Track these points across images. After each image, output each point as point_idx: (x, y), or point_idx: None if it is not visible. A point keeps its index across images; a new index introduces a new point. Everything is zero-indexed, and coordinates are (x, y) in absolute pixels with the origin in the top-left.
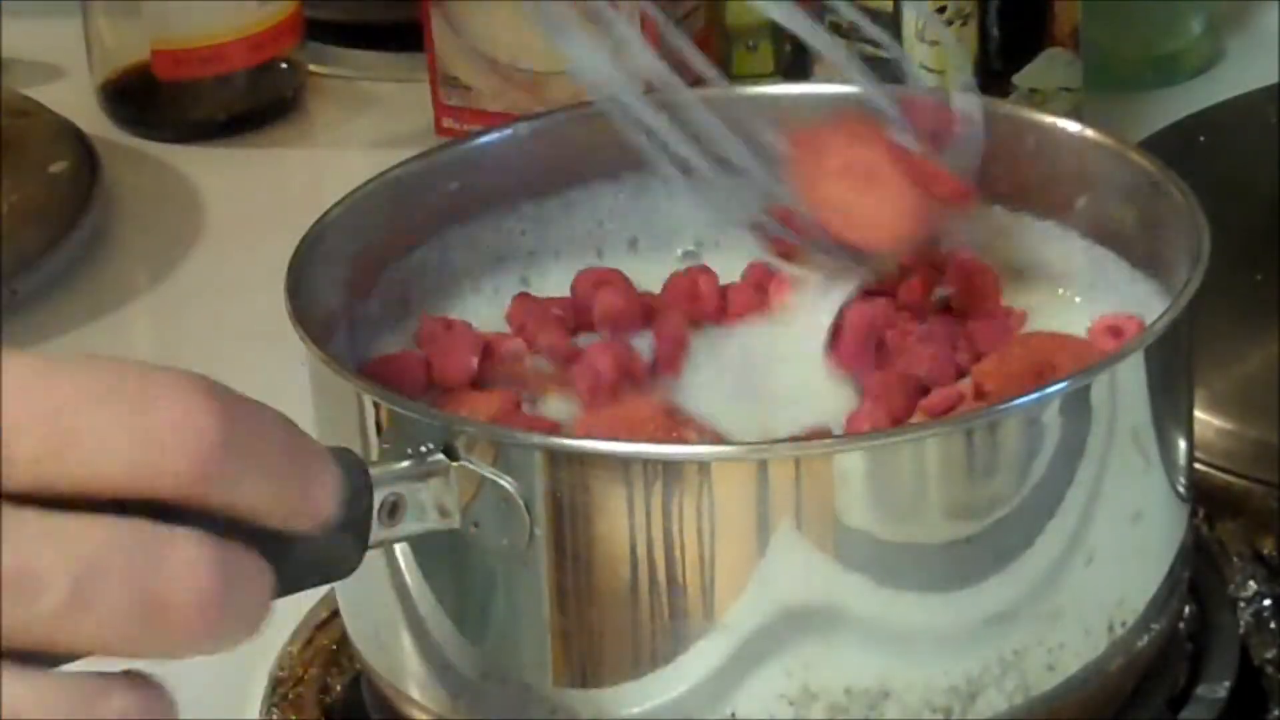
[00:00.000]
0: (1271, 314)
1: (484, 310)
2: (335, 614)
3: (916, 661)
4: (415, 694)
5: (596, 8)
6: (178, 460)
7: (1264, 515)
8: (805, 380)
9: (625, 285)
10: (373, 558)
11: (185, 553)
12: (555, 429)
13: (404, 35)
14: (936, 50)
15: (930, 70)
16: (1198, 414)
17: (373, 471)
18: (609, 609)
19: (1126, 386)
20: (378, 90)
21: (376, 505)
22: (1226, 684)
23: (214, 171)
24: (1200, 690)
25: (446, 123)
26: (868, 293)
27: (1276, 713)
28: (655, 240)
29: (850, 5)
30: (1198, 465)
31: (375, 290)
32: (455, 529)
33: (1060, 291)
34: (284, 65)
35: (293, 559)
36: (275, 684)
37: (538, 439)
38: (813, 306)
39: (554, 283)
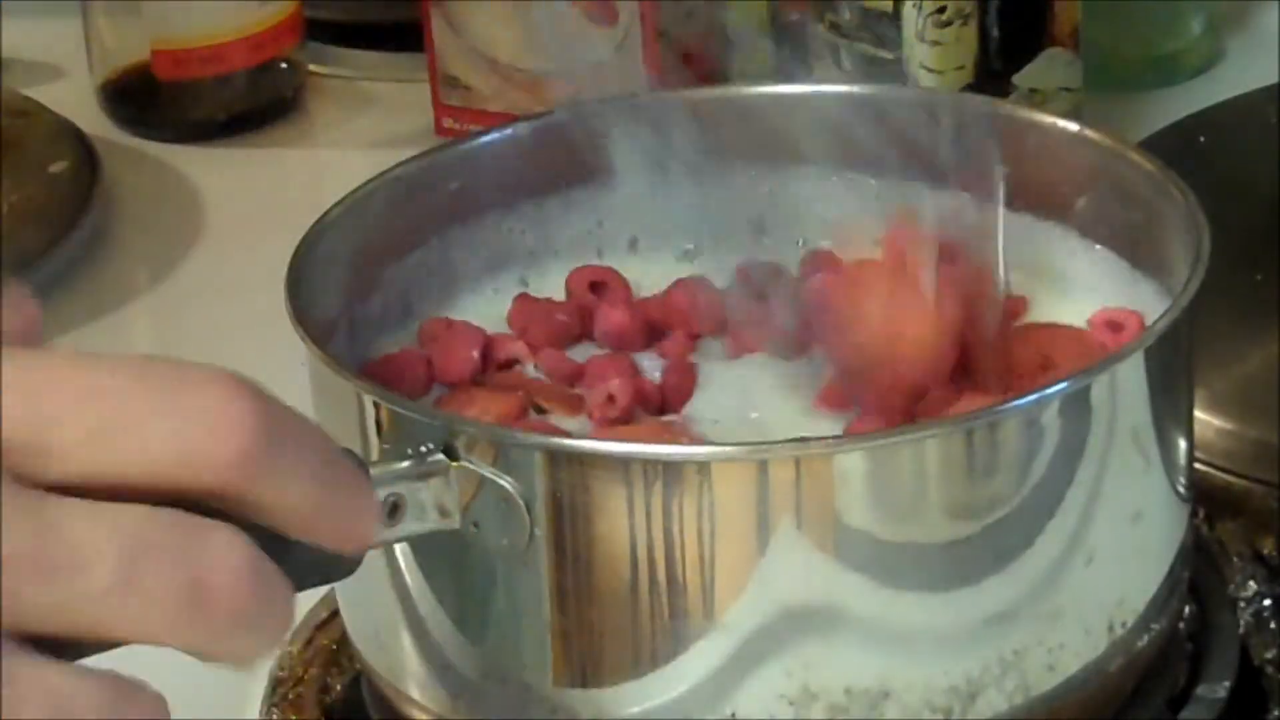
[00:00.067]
0: (1271, 314)
1: (484, 310)
2: (335, 614)
3: (917, 661)
4: (415, 694)
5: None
6: (222, 447)
7: (1264, 515)
8: (807, 407)
9: (623, 290)
10: (373, 558)
11: (224, 538)
12: (557, 430)
13: (404, 35)
14: (937, 50)
15: (930, 70)
16: (1198, 414)
17: (373, 471)
18: (609, 609)
19: (1126, 386)
20: (378, 90)
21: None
22: (1226, 684)
23: (214, 171)
24: (1200, 690)
25: (446, 123)
26: None
27: (1276, 713)
28: (655, 240)
29: (850, 5)
30: (1198, 465)
31: (375, 290)
32: (455, 529)
33: (1060, 291)
34: (284, 65)
35: (293, 559)
36: (275, 684)
37: (538, 439)
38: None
39: (554, 283)
